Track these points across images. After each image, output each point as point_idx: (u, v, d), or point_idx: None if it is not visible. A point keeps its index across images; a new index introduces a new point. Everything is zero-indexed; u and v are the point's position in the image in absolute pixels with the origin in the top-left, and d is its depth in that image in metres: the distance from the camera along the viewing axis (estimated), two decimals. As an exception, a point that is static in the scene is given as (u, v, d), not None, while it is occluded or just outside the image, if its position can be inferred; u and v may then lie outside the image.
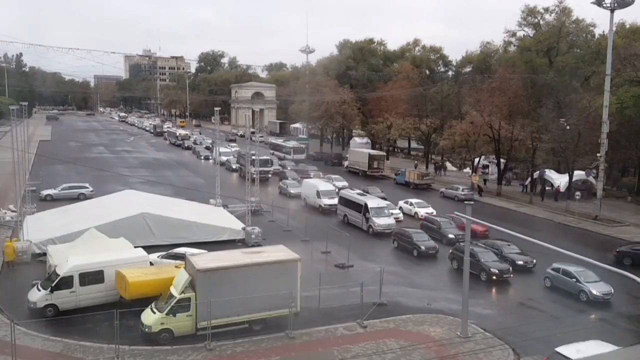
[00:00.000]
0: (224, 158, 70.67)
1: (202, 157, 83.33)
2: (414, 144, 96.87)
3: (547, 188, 58.56)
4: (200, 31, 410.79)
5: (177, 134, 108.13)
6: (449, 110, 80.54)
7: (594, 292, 27.84)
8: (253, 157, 57.38)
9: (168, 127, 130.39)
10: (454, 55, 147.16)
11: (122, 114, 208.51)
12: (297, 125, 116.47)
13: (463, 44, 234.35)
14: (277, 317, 23.14)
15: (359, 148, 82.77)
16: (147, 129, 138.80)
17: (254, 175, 50.75)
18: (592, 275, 28.81)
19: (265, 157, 63.88)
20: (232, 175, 68.03)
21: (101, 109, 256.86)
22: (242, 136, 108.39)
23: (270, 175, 61.50)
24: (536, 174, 58.93)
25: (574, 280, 28.77)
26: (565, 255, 18.90)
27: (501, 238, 34.95)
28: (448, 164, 78.63)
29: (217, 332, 21.78)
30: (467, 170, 72.18)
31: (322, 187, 50.28)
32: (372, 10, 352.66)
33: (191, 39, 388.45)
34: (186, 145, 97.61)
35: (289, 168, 68.46)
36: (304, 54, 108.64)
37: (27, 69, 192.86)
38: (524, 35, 75.28)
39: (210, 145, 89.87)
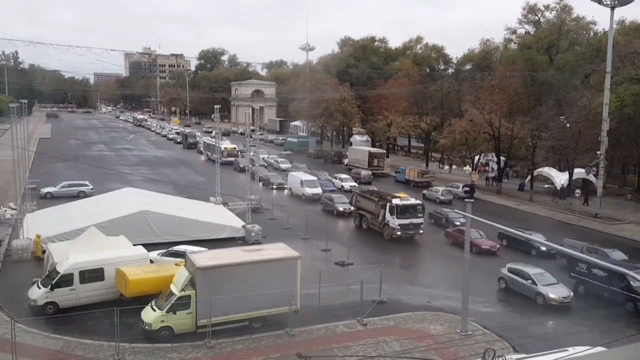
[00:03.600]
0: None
1: (274, 186, 57.36)
2: (414, 142, 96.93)
3: (546, 186, 58.64)
4: (201, 22, 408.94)
5: (222, 149, 64.08)
6: (449, 108, 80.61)
7: None
8: (313, 179, 53.57)
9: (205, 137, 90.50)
10: (455, 52, 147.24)
11: (140, 116, 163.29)
12: (297, 123, 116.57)
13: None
14: (277, 315, 23.13)
15: (359, 146, 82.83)
16: (171, 137, 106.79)
17: (316, 198, 48.50)
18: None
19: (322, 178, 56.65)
20: (258, 184, 53.27)
21: (103, 109, 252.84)
22: (242, 134, 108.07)
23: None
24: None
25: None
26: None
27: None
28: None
29: (217, 329, 21.78)
30: (467, 168, 72.24)
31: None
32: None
33: (193, 24, 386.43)
34: (241, 167, 65.62)
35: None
36: (304, 51, 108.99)
37: (26, 67, 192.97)
38: (524, 32, 75.33)
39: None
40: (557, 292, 27.14)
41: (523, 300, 27.74)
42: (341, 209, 45.74)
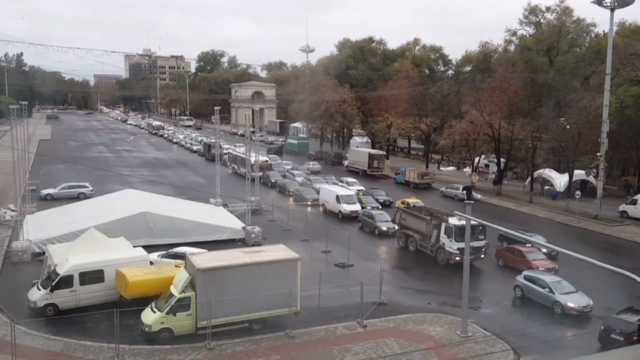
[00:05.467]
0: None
1: (308, 202, 50.18)
2: (414, 144, 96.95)
3: (546, 187, 58.65)
4: (202, 13, 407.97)
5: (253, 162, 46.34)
6: (449, 109, 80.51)
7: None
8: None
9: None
10: (454, 54, 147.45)
11: (157, 123, 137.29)
12: (297, 124, 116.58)
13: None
14: (277, 317, 23.13)
15: (359, 147, 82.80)
16: (195, 149, 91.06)
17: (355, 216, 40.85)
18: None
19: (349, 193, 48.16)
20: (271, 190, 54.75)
21: (105, 109, 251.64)
22: (242, 135, 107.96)
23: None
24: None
25: None
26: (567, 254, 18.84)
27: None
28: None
29: (217, 331, 21.77)
30: (467, 169, 72.22)
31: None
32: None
33: (194, 14, 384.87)
34: (272, 181, 58.84)
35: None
36: (304, 53, 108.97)
37: (27, 69, 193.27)
38: (524, 34, 75.36)
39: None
40: (576, 300, 25.94)
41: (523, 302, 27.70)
42: (384, 228, 39.92)
